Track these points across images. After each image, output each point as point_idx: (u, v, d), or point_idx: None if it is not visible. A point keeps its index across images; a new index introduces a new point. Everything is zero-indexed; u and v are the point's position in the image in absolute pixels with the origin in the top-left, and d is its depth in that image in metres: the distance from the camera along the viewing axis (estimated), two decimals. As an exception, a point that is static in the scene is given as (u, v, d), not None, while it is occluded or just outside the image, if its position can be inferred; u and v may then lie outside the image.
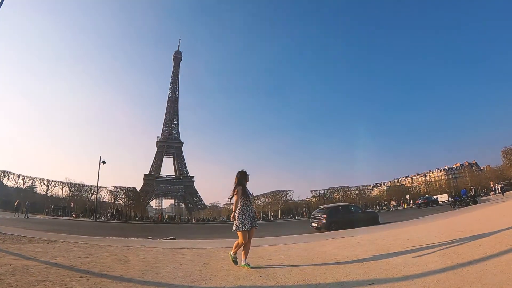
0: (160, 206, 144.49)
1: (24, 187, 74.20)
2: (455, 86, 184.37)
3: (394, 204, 62.75)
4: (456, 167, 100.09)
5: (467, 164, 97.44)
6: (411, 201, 64.94)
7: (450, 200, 40.29)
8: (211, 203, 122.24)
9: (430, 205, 41.19)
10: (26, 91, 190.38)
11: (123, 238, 13.44)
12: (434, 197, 50.14)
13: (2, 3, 11.25)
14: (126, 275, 5.20)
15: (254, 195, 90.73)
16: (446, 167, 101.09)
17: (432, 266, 4.95)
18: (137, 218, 71.52)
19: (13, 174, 73.75)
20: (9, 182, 73.50)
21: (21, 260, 6.04)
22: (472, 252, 5.86)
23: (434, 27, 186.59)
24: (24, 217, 31.61)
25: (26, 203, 36.16)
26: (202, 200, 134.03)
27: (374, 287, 4.06)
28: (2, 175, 72.50)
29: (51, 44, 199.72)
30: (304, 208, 75.92)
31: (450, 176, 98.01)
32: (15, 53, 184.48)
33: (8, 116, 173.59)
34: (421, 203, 42.70)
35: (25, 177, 75.30)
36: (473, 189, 31.16)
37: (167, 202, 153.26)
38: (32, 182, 76.56)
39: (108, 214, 53.66)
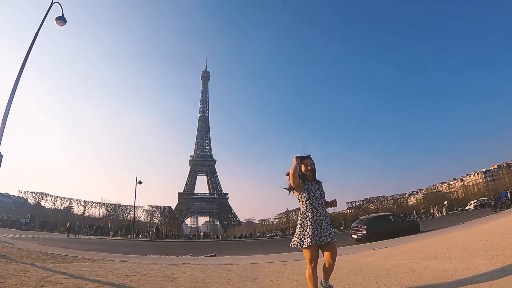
0: (195, 224, 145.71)
1: (61, 208, 76.81)
2: (481, 82, 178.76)
3: (434, 211, 61.06)
4: (494, 168, 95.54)
5: (504, 164, 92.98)
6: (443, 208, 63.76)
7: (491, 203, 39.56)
8: (245, 219, 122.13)
9: (486, 206, 43.36)
10: (66, 115, 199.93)
11: (163, 256, 13.66)
12: (482, 198, 58.54)
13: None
14: (179, 292, 5.20)
15: (289, 209, 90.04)
16: (484, 170, 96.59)
17: (483, 269, 4.94)
18: (173, 236, 72.46)
19: (51, 195, 76.73)
20: (47, 204, 76.58)
21: (71, 279, 6.12)
22: (522, 253, 5.75)
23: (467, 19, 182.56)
24: (75, 237, 34.16)
25: (76, 225, 38.65)
26: (236, 217, 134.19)
27: (429, 292, 4.11)
28: (40, 196, 75.46)
29: (79, 67, 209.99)
30: (342, 222, 75.02)
31: (488, 178, 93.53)
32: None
33: (46, 139, 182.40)
34: (477, 205, 48.02)
35: (62, 198, 78.19)
36: (509, 193, 29.59)
37: (202, 220, 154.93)
38: (69, 203, 79.31)
39: (150, 232, 55.06)
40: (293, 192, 4.32)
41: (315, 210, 4.12)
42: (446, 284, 4.44)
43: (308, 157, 4.36)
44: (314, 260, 4.00)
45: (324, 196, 4.31)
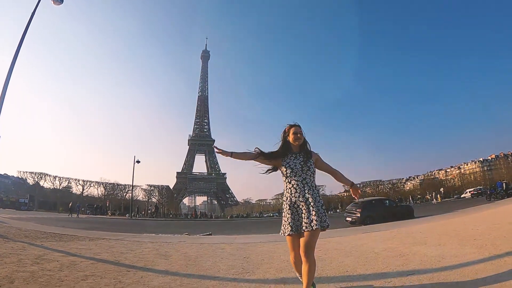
0: (193, 203, 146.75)
1: (60, 187, 77.43)
2: (483, 72, 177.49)
3: (429, 197, 61.58)
4: (491, 158, 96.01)
5: (502, 155, 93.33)
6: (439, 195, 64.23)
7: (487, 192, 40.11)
8: (243, 200, 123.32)
9: (483, 195, 44.70)
10: (61, 94, 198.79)
11: (160, 234, 13.75)
12: (479, 187, 59.18)
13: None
14: (171, 269, 5.37)
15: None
16: (481, 159, 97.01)
17: (470, 257, 4.99)
18: (171, 215, 73.20)
19: (49, 175, 77.51)
20: (46, 184, 77.37)
21: (67, 257, 6.21)
22: (510, 243, 5.83)
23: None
24: (77, 217, 35.15)
25: (77, 205, 39.65)
26: (234, 197, 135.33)
27: (414, 277, 4.16)
28: (39, 177, 76.15)
29: (81, 47, 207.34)
30: (338, 204, 75.84)
31: (485, 168, 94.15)
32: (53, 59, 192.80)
33: (43, 119, 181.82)
34: (474, 194, 50.27)
35: (61, 178, 79.10)
36: (504, 184, 29.87)
37: (200, 199, 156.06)
38: (68, 182, 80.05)
39: (149, 211, 55.69)
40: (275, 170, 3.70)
41: (294, 190, 3.42)
42: (432, 269, 4.49)
43: (297, 125, 3.65)
44: (295, 249, 3.45)
45: (310, 170, 3.49)
